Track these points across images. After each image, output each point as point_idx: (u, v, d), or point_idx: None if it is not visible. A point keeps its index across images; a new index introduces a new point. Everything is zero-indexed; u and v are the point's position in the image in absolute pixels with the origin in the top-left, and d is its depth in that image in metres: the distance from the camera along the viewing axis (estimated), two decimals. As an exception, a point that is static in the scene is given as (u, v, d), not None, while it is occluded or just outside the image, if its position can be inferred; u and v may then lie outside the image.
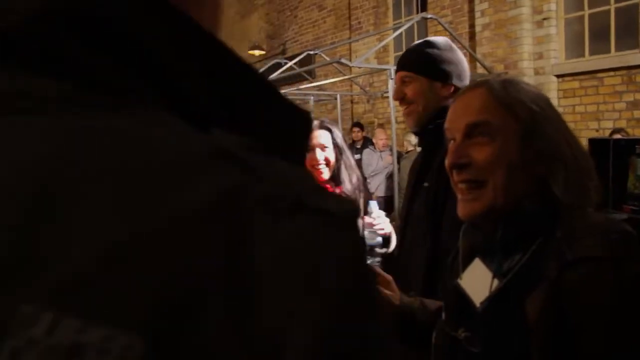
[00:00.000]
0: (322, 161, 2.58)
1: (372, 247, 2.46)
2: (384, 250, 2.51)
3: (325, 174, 2.60)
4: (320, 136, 2.62)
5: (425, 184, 1.90)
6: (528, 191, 1.12)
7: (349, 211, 0.40)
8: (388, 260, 2.56)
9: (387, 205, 7.45)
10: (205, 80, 0.46)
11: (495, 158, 1.12)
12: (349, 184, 2.63)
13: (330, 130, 2.64)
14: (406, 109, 2.00)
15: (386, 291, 1.42)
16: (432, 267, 1.79)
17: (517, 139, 1.12)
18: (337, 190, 2.62)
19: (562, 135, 1.15)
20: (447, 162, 1.20)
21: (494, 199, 1.12)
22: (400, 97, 1.99)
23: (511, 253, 1.11)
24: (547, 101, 1.20)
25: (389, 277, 1.48)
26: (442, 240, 1.74)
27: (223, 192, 0.36)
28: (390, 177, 7.47)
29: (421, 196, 1.92)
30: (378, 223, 2.45)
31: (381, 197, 7.80)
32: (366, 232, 2.45)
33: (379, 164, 8.09)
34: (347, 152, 2.69)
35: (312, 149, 2.59)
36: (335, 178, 2.63)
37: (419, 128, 1.97)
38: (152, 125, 0.40)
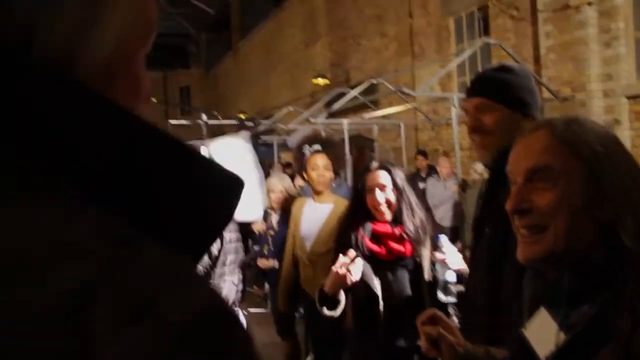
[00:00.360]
0: (383, 202, 2.57)
1: (446, 283, 2.40)
2: (458, 288, 2.43)
3: (387, 214, 2.60)
4: (380, 177, 2.61)
5: (487, 230, 1.82)
6: (594, 238, 1.07)
7: (200, 314, 0.39)
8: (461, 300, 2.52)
9: (453, 235, 7.33)
10: (103, 152, 0.47)
11: (557, 203, 1.08)
12: (411, 224, 2.60)
13: (389, 171, 2.64)
14: (482, 139, 1.84)
15: (450, 338, 1.40)
16: (491, 313, 1.74)
17: (580, 181, 1.08)
18: (398, 231, 2.60)
19: (630, 176, 1.09)
20: (508, 206, 1.17)
21: (554, 244, 1.08)
22: (477, 126, 1.84)
23: (578, 304, 1.07)
24: (614, 140, 1.15)
25: (453, 324, 1.46)
26: (503, 287, 1.67)
27: (62, 300, 0.35)
28: (456, 206, 7.35)
29: (483, 241, 1.85)
30: (450, 258, 2.40)
31: (447, 227, 7.67)
32: (438, 268, 2.43)
33: (443, 193, 7.98)
34: (408, 192, 2.67)
35: (371, 190, 2.59)
36: (397, 219, 2.62)
37: (493, 163, 1.83)
38: (6, 215, 0.40)
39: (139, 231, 0.44)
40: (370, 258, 2.57)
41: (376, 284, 2.52)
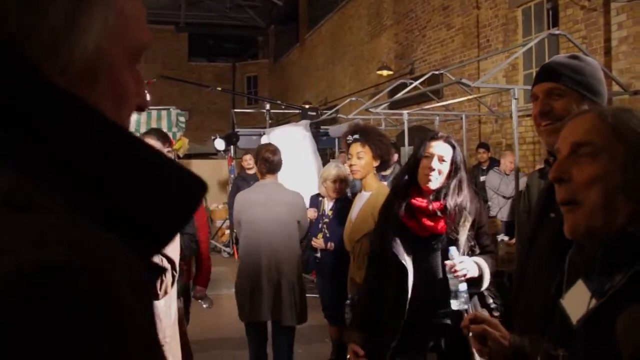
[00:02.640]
0: (435, 169, 2.62)
1: (457, 292, 2.50)
2: (469, 292, 2.55)
3: (433, 183, 2.64)
4: (442, 148, 2.66)
5: (552, 215, 1.80)
6: (631, 214, 1.13)
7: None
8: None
9: (508, 230, 7.21)
10: (66, 146, 0.57)
11: (592, 179, 1.16)
12: (452, 201, 2.64)
13: (453, 147, 2.69)
14: (549, 124, 1.84)
15: (495, 333, 1.45)
16: (550, 301, 1.72)
17: (621, 162, 1.14)
18: (433, 207, 2.62)
19: None
20: (549, 175, 1.26)
21: (591, 220, 1.16)
22: (546, 111, 1.84)
23: (612, 274, 1.12)
24: None
25: (495, 321, 1.51)
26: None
27: None
28: (514, 200, 7.23)
29: (547, 226, 1.83)
30: (460, 269, 2.49)
31: (504, 221, 7.54)
32: (450, 278, 2.51)
33: (504, 187, 7.83)
34: (463, 173, 2.69)
35: (429, 157, 2.63)
36: (440, 193, 2.66)
37: None
38: None
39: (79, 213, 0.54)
40: (404, 232, 2.61)
41: (406, 258, 2.57)
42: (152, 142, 3.11)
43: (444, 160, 2.63)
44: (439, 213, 2.61)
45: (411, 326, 2.54)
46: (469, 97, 8.21)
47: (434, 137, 2.72)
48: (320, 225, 4.89)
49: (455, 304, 2.50)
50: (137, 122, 9.24)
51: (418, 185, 2.67)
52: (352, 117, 8.53)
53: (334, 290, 4.69)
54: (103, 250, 0.52)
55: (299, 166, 6.94)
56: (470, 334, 1.50)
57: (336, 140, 10.36)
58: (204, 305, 4.79)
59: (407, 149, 7.79)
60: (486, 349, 1.47)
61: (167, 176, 0.63)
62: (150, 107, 8.43)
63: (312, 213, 5.06)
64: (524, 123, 8.87)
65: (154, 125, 9.21)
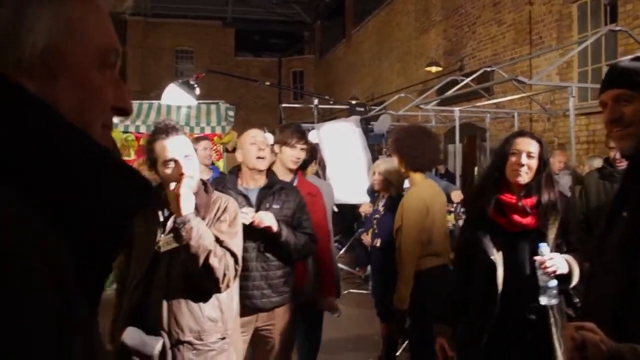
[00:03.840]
0: (524, 164, 2.66)
1: (546, 287, 2.52)
2: (558, 288, 2.55)
3: (523, 178, 2.67)
4: (529, 144, 2.70)
5: (624, 214, 1.78)
6: None
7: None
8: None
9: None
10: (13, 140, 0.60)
11: None
12: (546, 195, 2.66)
13: (540, 143, 2.73)
14: (620, 131, 1.81)
15: (595, 337, 1.43)
16: (621, 301, 1.69)
17: None
18: (522, 203, 2.64)
19: None
20: None
21: None
22: (617, 118, 1.80)
23: None
24: None
25: (593, 325, 1.48)
26: (636, 274, 1.63)
27: None
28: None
29: (618, 226, 1.80)
30: (550, 265, 2.50)
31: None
32: (539, 274, 2.53)
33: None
34: (550, 168, 2.74)
35: (517, 153, 2.68)
36: (531, 189, 2.69)
37: (635, 153, 1.80)
38: None
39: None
40: (493, 228, 2.66)
41: (495, 254, 2.62)
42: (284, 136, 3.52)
43: (532, 156, 2.67)
44: (528, 209, 2.65)
45: (499, 321, 2.59)
46: (522, 95, 8.06)
47: (520, 134, 2.78)
48: (372, 221, 4.87)
49: (544, 300, 2.53)
50: (186, 116, 9.36)
51: (507, 181, 2.71)
52: (401, 113, 8.48)
53: (383, 287, 4.67)
54: (30, 239, 0.57)
55: (349, 161, 6.92)
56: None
57: (383, 137, 10.32)
58: (334, 315, 4.23)
59: (457, 146, 7.71)
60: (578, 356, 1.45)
61: (110, 180, 0.66)
62: (200, 102, 8.52)
63: (367, 207, 5.05)
64: (578, 122, 8.66)
65: (203, 118, 9.31)
